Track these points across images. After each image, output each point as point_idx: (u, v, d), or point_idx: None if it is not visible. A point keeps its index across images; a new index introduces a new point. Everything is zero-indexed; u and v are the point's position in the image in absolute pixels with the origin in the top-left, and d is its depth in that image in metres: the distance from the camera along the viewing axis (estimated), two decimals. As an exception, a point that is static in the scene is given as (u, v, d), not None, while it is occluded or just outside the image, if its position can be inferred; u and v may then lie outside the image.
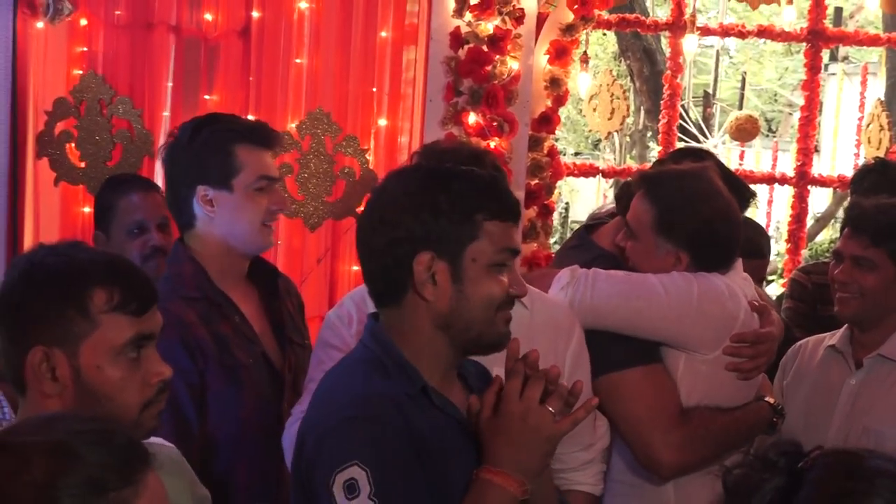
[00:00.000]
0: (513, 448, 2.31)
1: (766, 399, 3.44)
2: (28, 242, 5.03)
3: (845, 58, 14.19)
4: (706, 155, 4.89)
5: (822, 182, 7.25)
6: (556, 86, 5.66)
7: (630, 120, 9.62)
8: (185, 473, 2.48)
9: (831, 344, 3.77)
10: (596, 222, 3.85)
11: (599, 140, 13.72)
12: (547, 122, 5.67)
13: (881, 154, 6.82)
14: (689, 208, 3.29)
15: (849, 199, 5.42)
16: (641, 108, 11.71)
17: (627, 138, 13.95)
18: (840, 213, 5.19)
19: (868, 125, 7.71)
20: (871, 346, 3.71)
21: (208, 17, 5.29)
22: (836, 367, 3.71)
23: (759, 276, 4.67)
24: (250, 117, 5.27)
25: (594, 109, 6.31)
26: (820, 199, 10.73)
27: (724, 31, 7.61)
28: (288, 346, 3.33)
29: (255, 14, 5.30)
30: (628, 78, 11.65)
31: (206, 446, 3.07)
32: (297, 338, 3.38)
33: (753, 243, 4.47)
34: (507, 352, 2.44)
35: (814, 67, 7.11)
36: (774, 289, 8.90)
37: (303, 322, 3.53)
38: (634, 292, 3.23)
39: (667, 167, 3.54)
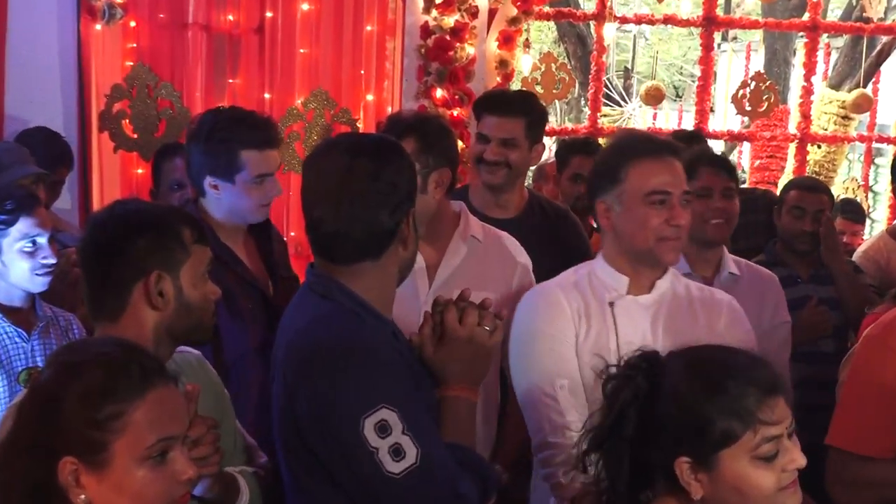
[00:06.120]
0: (465, 366, 2.22)
1: None
2: (96, 197, 5.05)
3: (734, 38, 14.13)
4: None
5: (714, 136, 7.26)
6: (504, 66, 5.65)
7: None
8: (204, 374, 2.34)
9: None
10: None
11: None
12: (498, 94, 5.64)
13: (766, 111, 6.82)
14: None
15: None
16: (577, 81, 11.68)
17: (566, 105, 13.92)
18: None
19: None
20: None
21: (231, 17, 5.29)
22: None
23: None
24: (266, 96, 5.30)
25: (536, 84, 6.25)
26: (714, 148, 10.73)
27: (638, 20, 7.60)
28: (280, 282, 3.20)
29: (269, 14, 5.31)
30: (565, 57, 11.58)
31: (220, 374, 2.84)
32: (285, 273, 3.27)
33: None
34: (436, 298, 2.29)
35: (707, 46, 7.07)
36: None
37: (287, 258, 3.43)
38: None
39: None
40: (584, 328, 2.59)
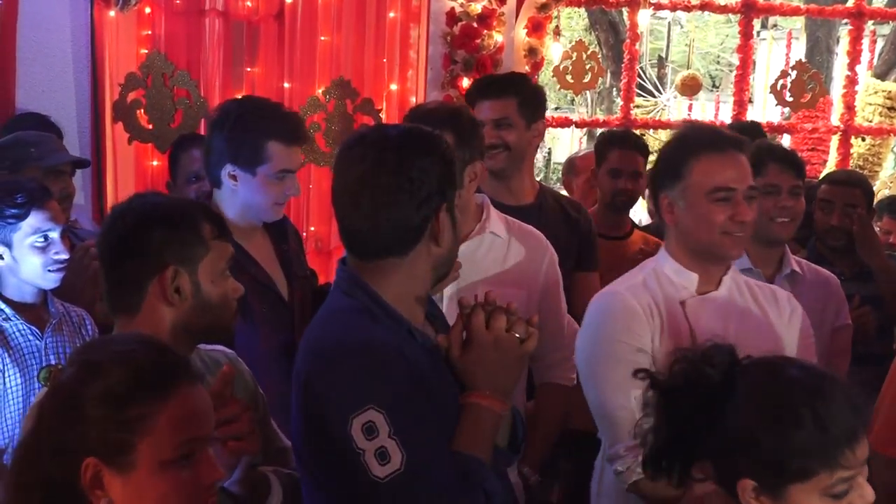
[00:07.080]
0: (490, 373, 2.18)
1: None
2: (110, 191, 5.03)
3: (774, 25, 14.03)
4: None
5: (753, 128, 7.21)
6: (533, 54, 5.63)
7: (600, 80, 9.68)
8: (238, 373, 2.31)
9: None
10: None
11: (573, 98, 13.64)
12: (527, 83, 5.64)
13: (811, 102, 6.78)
14: None
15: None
16: (608, 70, 11.64)
17: (597, 95, 13.87)
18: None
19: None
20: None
21: (249, 3, 5.26)
22: None
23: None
24: (286, 85, 5.29)
25: (567, 73, 6.24)
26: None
27: (673, 6, 7.54)
28: (295, 281, 3.19)
29: (288, 0, 5.28)
30: (597, 46, 11.55)
31: None
32: (300, 272, 3.25)
33: None
34: (460, 300, 2.27)
35: (746, 34, 7.04)
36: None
37: (303, 255, 3.41)
38: None
39: None
40: (658, 328, 2.60)
